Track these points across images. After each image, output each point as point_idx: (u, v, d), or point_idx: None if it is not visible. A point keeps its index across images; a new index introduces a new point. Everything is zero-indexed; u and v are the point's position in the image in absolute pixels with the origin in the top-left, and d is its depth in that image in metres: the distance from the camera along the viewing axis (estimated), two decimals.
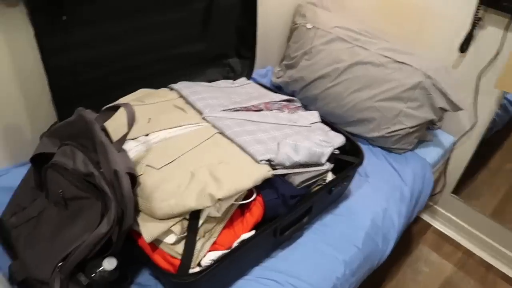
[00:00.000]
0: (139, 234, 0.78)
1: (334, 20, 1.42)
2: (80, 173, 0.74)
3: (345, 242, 1.04)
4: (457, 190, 1.64)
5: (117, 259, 0.75)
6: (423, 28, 1.44)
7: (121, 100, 1.00)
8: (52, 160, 0.77)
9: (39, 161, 0.82)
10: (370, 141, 1.38)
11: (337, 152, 1.04)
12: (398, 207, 1.20)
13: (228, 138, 0.91)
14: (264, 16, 1.47)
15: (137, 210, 0.77)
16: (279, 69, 1.55)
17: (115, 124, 0.84)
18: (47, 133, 0.83)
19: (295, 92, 1.48)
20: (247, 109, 1.03)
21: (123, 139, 0.75)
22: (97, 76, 1.01)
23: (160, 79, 1.13)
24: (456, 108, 1.27)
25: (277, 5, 1.50)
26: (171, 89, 1.08)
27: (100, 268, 0.73)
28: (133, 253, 0.81)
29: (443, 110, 1.30)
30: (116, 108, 0.77)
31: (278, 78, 1.53)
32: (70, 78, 0.98)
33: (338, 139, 1.06)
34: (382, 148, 1.37)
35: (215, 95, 1.05)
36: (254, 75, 1.48)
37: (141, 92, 1.04)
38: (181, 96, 1.04)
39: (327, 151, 0.97)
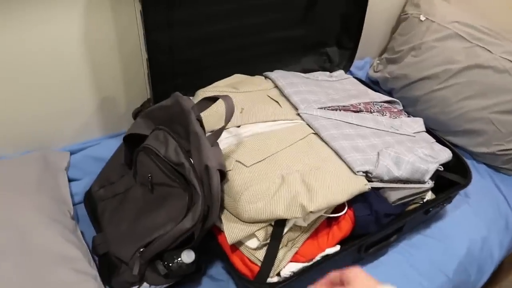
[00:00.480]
0: (219, 230, 0.75)
1: (454, 13, 1.25)
2: (171, 161, 0.71)
3: (434, 268, 0.93)
4: None
5: (195, 252, 0.73)
6: None
7: (216, 85, 0.96)
8: (145, 144, 0.76)
9: (131, 140, 0.82)
10: (475, 156, 1.22)
11: (440, 168, 0.92)
12: (501, 238, 1.05)
13: (324, 141, 0.84)
14: (370, 1, 1.34)
15: (221, 207, 0.74)
16: (378, 62, 1.42)
17: (208, 112, 0.81)
18: (142, 114, 0.82)
19: (393, 90, 1.35)
20: (345, 108, 0.94)
21: (218, 133, 0.71)
22: (194, 55, 0.98)
23: (254, 63, 1.07)
24: None
25: None
26: (266, 77, 1.02)
27: (178, 260, 0.72)
28: (210, 246, 0.78)
29: None
30: (214, 99, 0.73)
31: (376, 72, 1.41)
32: (168, 55, 0.95)
33: (444, 155, 0.94)
34: (488, 165, 1.21)
35: (312, 89, 0.97)
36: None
37: (236, 77, 0.99)
38: (276, 86, 0.98)
39: (432, 168, 0.86)
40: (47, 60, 0.89)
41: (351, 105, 0.96)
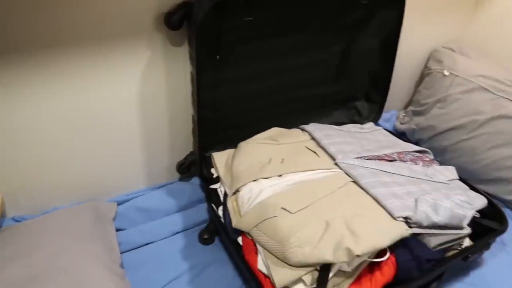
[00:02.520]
0: (265, 276, 0.78)
1: (476, 68, 1.32)
2: None
3: None
4: None
5: None
6: None
7: (256, 137, 1.03)
8: None
9: None
10: (507, 203, 1.23)
11: (477, 215, 0.94)
12: None
13: (362, 189, 0.88)
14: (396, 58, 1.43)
15: (268, 252, 0.77)
16: (404, 114, 1.48)
17: (251, 162, 0.87)
18: None
19: (420, 141, 1.40)
20: (380, 158, 0.99)
21: None
22: (236, 111, 1.07)
23: (291, 117, 1.15)
24: None
25: (411, 48, 1.45)
26: (303, 130, 1.09)
27: None
28: None
29: None
30: None
31: (402, 124, 1.46)
32: (213, 112, 1.04)
33: (480, 201, 0.96)
34: None
35: (346, 140, 1.03)
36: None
37: (274, 130, 1.07)
38: (313, 138, 1.04)
39: (469, 214, 0.89)
40: (102, 121, 0.97)
41: (385, 154, 1.01)
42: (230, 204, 0.90)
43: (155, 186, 1.15)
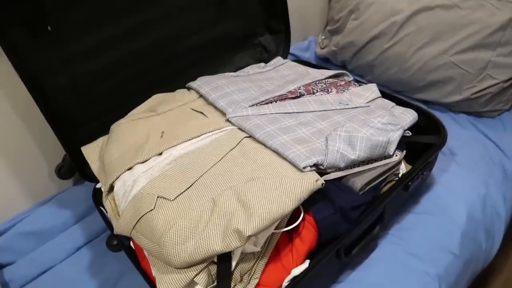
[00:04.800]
0: None
1: None
2: None
3: (436, 249, 0.79)
4: None
5: None
6: None
7: (132, 113, 0.83)
8: None
9: None
10: (450, 107, 1.09)
11: (408, 134, 0.79)
12: (502, 189, 0.91)
13: (260, 142, 0.70)
14: None
15: (151, 258, 0.60)
16: (323, 37, 1.30)
17: (124, 147, 0.69)
18: None
19: (345, 62, 1.23)
20: (282, 98, 0.81)
21: None
22: (104, 89, 0.85)
23: (179, 79, 0.95)
24: None
25: None
26: (189, 88, 0.89)
27: None
28: None
29: None
30: None
31: (323, 48, 1.28)
32: (74, 98, 0.83)
33: (408, 116, 0.80)
34: (467, 113, 1.07)
35: (241, 87, 0.84)
36: (293, 50, 1.25)
37: (155, 98, 0.86)
38: (201, 95, 0.85)
39: (395, 136, 0.73)
40: None
41: (289, 92, 0.83)
42: (107, 205, 0.71)
43: (42, 201, 0.95)
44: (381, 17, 1.09)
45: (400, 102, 0.87)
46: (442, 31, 1.02)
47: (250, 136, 0.72)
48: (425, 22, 1.03)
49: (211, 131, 0.74)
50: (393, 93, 1.14)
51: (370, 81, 1.19)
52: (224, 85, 0.84)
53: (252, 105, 0.78)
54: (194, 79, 0.96)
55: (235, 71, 1.06)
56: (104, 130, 0.83)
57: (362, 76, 1.21)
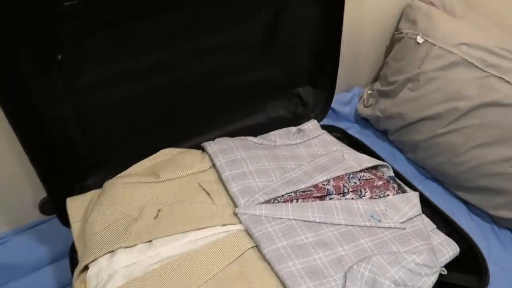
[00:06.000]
0: None
1: (461, 31, 0.96)
2: None
3: None
4: None
5: None
6: None
7: (129, 172, 0.72)
8: None
9: None
10: (495, 219, 0.94)
11: (444, 272, 0.66)
12: None
13: (265, 261, 0.59)
14: (356, 19, 1.07)
15: None
16: (370, 92, 1.15)
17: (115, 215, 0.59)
18: None
19: (388, 132, 1.08)
20: (305, 195, 0.69)
21: None
22: (112, 125, 0.75)
23: (200, 124, 0.84)
24: None
25: (376, 4, 1.08)
26: (204, 150, 0.77)
27: None
28: None
29: None
30: None
31: (366, 106, 1.13)
32: (73, 132, 0.73)
33: (448, 251, 0.68)
34: None
35: (262, 167, 0.72)
36: (333, 103, 1.11)
37: (162, 155, 0.75)
38: (214, 165, 0.73)
39: (428, 283, 0.60)
40: None
41: (316, 185, 0.71)
42: (77, 286, 0.61)
43: (21, 228, 0.86)
44: (443, 98, 0.94)
45: (441, 220, 0.73)
46: (509, 135, 0.86)
47: (256, 246, 0.61)
48: (493, 119, 0.88)
49: (214, 225, 0.63)
50: (434, 181, 1.01)
51: (411, 159, 1.06)
52: (242, 160, 0.72)
53: (269, 200, 0.66)
54: (217, 127, 0.85)
55: (266, 120, 0.94)
56: (98, 181, 0.73)
57: (403, 151, 1.07)
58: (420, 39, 1.00)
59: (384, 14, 1.11)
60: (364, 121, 1.16)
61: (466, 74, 0.92)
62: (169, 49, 0.74)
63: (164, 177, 0.69)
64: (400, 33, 1.08)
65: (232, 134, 0.86)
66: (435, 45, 0.97)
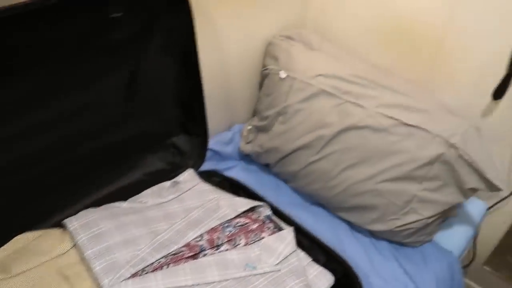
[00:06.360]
0: None
1: (317, 64, 1.03)
2: None
3: None
4: (491, 261, 1.27)
5: None
6: (440, 64, 1.04)
7: None
8: None
9: None
10: (373, 233, 1.01)
11: None
12: None
13: None
14: (223, 60, 1.09)
15: None
16: (249, 127, 1.18)
17: None
18: None
19: (270, 165, 1.12)
20: (177, 258, 0.67)
21: None
22: None
23: (72, 188, 0.79)
24: (493, 188, 0.89)
25: (241, 44, 1.11)
26: (65, 228, 0.72)
27: None
28: None
29: (474, 190, 0.92)
30: None
31: (248, 143, 1.16)
32: None
33: (324, 283, 0.70)
34: (389, 241, 1.00)
35: (129, 236, 0.69)
36: (214, 144, 1.12)
37: (16, 243, 0.68)
38: (76, 244, 0.68)
39: None
40: None
41: (187, 245, 0.69)
42: None
43: None
44: (310, 128, 1.00)
45: (319, 250, 0.77)
46: (370, 154, 0.94)
47: None
48: (354, 142, 0.95)
49: None
50: (316, 205, 1.06)
51: (294, 188, 1.10)
52: (108, 232, 0.68)
53: (136, 273, 0.63)
54: (86, 195, 0.80)
55: (141, 176, 0.91)
56: None
57: (286, 181, 1.11)
58: (283, 74, 1.06)
59: (250, 53, 1.15)
60: (248, 157, 1.18)
61: (326, 102, 0.98)
62: (34, 113, 0.69)
63: (16, 270, 0.63)
64: (266, 69, 1.13)
65: (104, 201, 0.81)
66: (296, 78, 1.03)
